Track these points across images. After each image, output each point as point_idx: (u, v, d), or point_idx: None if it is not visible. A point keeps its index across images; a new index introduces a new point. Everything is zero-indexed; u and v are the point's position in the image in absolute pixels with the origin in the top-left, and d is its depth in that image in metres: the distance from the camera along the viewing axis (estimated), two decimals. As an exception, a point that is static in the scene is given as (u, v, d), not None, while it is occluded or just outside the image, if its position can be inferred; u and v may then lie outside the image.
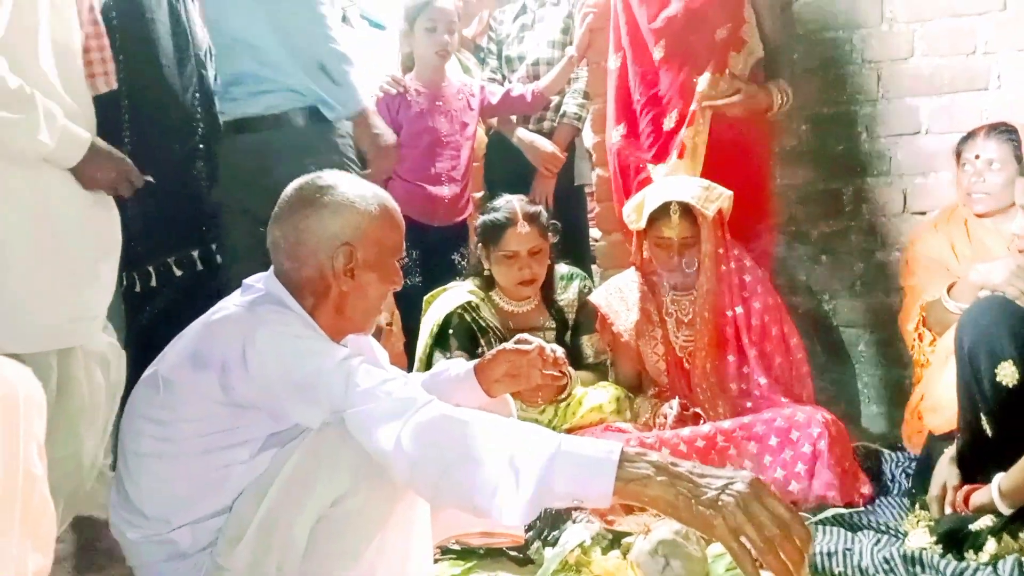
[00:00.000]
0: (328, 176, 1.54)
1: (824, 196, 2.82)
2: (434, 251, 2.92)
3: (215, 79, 2.52)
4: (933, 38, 2.68)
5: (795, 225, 2.84)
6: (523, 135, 3.11)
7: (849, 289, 2.84)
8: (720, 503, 1.11)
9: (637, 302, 2.51)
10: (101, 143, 1.94)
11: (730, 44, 2.43)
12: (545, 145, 3.09)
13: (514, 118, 3.14)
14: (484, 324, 2.51)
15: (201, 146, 2.48)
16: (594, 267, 3.18)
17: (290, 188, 1.54)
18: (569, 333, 2.62)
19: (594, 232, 3.35)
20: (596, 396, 2.44)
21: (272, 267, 1.55)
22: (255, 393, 1.38)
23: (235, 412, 1.41)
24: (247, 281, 1.55)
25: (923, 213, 2.73)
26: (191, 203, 2.44)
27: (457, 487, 1.23)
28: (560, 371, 1.72)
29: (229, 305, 1.50)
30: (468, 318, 2.49)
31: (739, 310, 2.41)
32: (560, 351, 1.73)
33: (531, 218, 2.48)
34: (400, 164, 2.74)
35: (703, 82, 2.38)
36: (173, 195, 2.39)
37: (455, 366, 1.74)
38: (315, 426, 1.38)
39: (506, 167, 3.17)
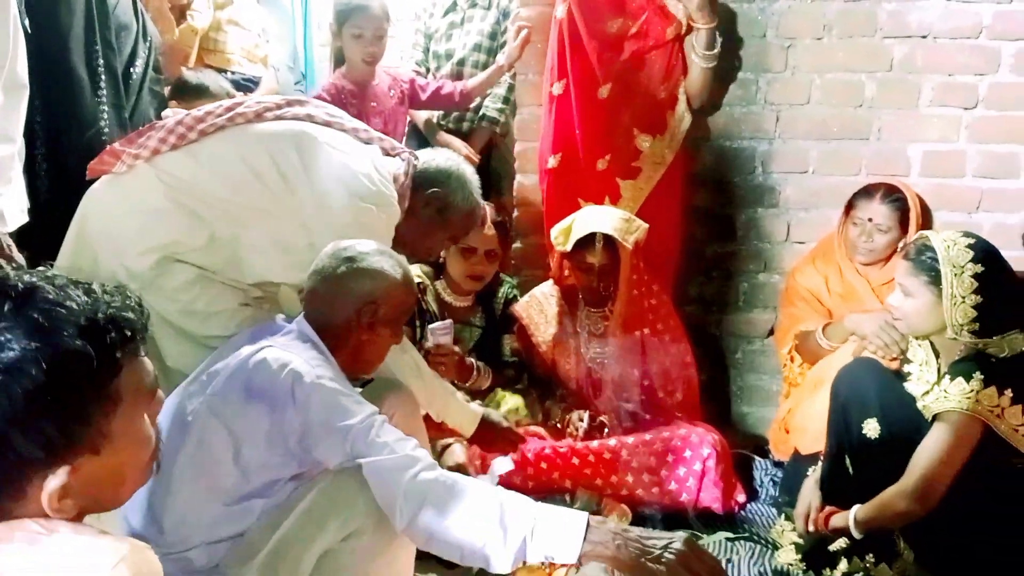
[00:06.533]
0: (364, 244, 1.77)
1: (719, 221, 3.13)
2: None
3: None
4: (828, 89, 2.98)
5: (693, 244, 3.13)
6: (441, 138, 3.25)
7: (733, 304, 3.19)
8: (664, 559, 1.41)
9: (555, 316, 2.75)
10: None
11: (667, 103, 2.66)
12: (460, 148, 3.23)
13: (436, 118, 3.25)
14: (424, 307, 2.73)
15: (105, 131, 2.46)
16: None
17: (333, 248, 1.76)
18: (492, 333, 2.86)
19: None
20: (514, 400, 2.71)
21: (304, 312, 1.76)
22: (298, 424, 1.57)
23: (280, 451, 1.60)
24: (279, 320, 1.78)
25: (803, 243, 3.08)
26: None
27: (448, 539, 1.46)
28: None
29: (269, 343, 1.68)
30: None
31: (646, 331, 2.70)
32: None
33: (498, 225, 2.73)
34: None
35: (646, 144, 2.60)
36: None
37: None
38: (332, 466, 1.58)
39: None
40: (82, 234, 2.06)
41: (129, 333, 0.99)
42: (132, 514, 1.62)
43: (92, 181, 2.22)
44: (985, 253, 1.98)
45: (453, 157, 2.25)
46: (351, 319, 1.72)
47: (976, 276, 1.95)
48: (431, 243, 2.24)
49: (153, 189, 2.00)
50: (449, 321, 2.64)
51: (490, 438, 2.24)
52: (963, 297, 1.95)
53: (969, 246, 1.98)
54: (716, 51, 2.75)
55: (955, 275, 1.96)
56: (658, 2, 2.75)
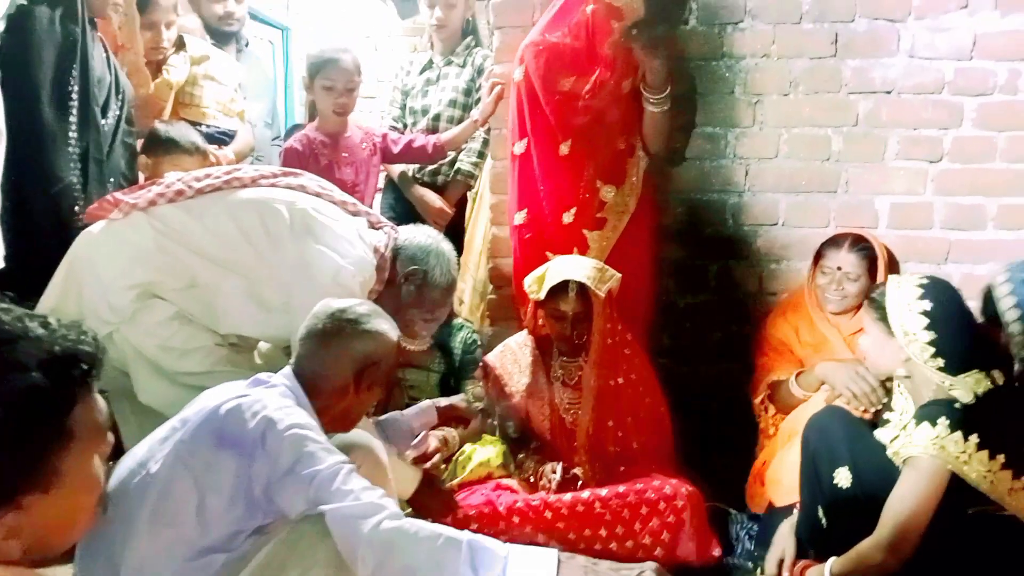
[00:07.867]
0: (363, 306, 1.81)
1: (692, 272, 3.15)
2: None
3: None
4: (796, 143, 3.04)
5: (666, 295, 3.15)
6: (416, 191, 3.29)
7: (706, 355, 3.19)
8: None
9: (529, 366, 2.74)
10: None
11: (627, 153, 2.70)
12: (434, 201, 3.29)
13: (411, 171, 3.29)
14: None
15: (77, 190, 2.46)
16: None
17: (330, 312, 1.78)
18: (453, 379, 2.84)
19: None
20: (484, 452, 2.66)
21: (292, 367, 1.75)
22: (265, 471, 1.54)
23: (244, 501, 1.57)
24: (259, 377, 1.75)
25: (775, 294, 3.10)
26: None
27: None
28: None
29: (246, 392, 1.68)
30: None
31: (620, 381, 2.68)
32: None
33: None
34: None
35: (609, 195, 2.63)
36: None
37: None
38: (293, 516, 1.55)
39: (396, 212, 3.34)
40: (71, 272, 2.15)
41: (86, 367, 0.97)
42: (90, 563, 1.57)
43: (59, 233, 2.29)
44: (936, 291, 2.01)
45: (433, 234, 2.35)
46: (350, 380, 1.74)
47: (925, 313, 1.98)
48: (409, 317, 2.29)
49: (144, 233, 2.12)
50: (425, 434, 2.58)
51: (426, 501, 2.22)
52: (915, 333, 1.98)
53: (920, 285, 2.02)
54: (667, 94, 2.78)
55: (902, 311, 1.99)
56: (614, 57, 2.77)
